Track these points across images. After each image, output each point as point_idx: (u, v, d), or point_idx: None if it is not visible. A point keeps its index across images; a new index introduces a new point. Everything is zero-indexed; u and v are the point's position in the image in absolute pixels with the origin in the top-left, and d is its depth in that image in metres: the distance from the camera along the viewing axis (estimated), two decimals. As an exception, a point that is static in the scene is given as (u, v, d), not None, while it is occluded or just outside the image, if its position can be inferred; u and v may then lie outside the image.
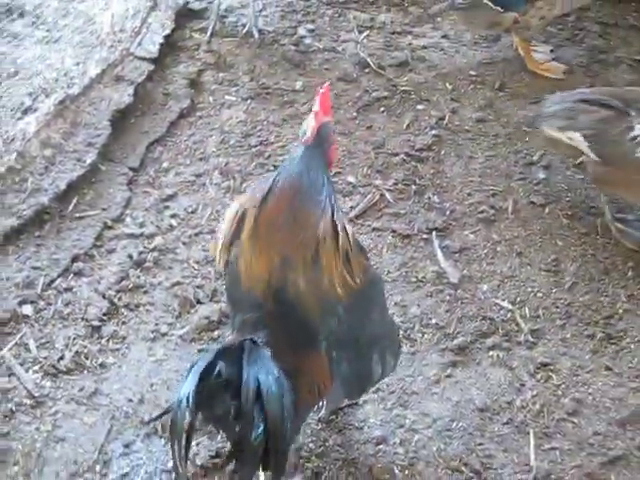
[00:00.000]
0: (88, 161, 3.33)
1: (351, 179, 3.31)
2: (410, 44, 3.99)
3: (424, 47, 3.97)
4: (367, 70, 3.83)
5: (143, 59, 3.76)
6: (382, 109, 3.64)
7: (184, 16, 4.13)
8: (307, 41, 3.99)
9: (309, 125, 2.19)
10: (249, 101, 3.69)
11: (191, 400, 1.92)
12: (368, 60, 3.85)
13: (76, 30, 4.03)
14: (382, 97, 3.68)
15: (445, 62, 3.88)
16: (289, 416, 2.01)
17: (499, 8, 3.63)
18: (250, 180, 3.32)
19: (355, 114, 3.61)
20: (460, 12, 3.80)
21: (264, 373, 1.97)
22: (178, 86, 3.73)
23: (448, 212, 3.19)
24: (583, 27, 4.15)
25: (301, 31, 4.05)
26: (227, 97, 3.71)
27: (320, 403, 2.33)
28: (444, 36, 4.04)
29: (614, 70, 3.90)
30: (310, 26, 4.09)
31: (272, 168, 3.36)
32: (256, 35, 4.01)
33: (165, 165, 3.42)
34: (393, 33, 4.07)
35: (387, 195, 3.24)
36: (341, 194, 3.25)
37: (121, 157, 3.43)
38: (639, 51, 3.98)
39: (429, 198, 3.23)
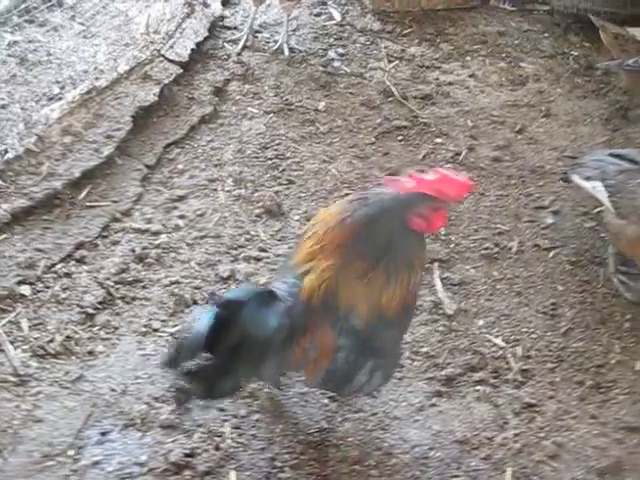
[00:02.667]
0: (105, 153, 3.38)
1: (360, 188, 3.35)
2: (437, 79, 4.03)
3: (450, 83, 4.01)
4: (390, 99, 3.87)
5: (172, 62, 3.83)
6: (400, 138, 3.67)
7: (219, 26, 4.22)
8: (336, 64, 4.05)
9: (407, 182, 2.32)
10: (271, 115, 3.74)
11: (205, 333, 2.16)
12: (393, 89, 3.90)
13: (113, 28, 4.12)
14: (402, 126, 3.72)
15: (469, 100, 3.92)
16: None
17: None
18: (262, 191, 3.35)
19: (373, 139, 3.65)
20: (627, 74, 3.80)
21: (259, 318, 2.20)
22: (203, 92, 3.79)
23: (453, 245, 3.20)
24: (609, 81, 4.19)
25: (331, 54, 4.12)
26: (250, 109, 3.76)
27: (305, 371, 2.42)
28: (471, 75, 4.09)
29: (634, 127, 3.92)
30: (341, 50, 4.16)
31: (285, 182, 3.41)
32: (286, 52, 4.07)
33: (180, 167, 3.46)
34: (422, 66, 4.12)
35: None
36: (349, 215, 3.28)
37: (138, 153, 3.48)
38: (661, 111, 4.02)
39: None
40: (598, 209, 3.11)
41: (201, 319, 2.20)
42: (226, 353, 2.21)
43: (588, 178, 3.14)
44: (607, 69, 3.92)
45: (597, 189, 3.08)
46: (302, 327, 2.30)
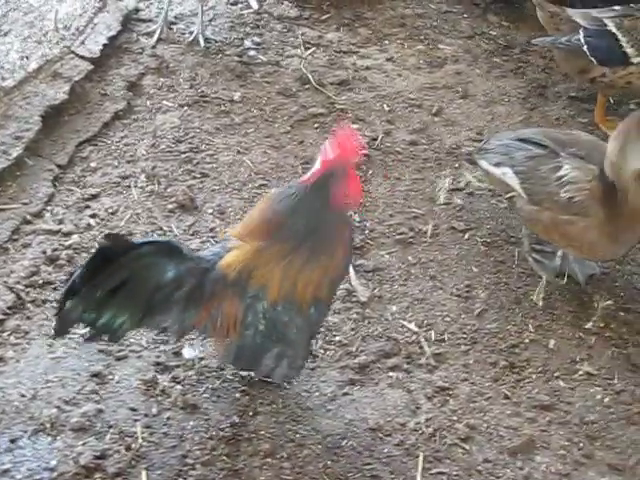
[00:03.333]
0: (14, 154, 3.30)
1: (275, 177, 3.35)
2: (354, 64, 4.01)
3: (367, 68, 4.00)
4: (307, 86, 3.84)
5: (83, 58, 3.76)
6: (316, 125, 3.65)
7: (133, 19, 4.15)
8: (251, 53, 4.01)
9: (313, 168, 2.41)
10: (186, 108, 3.69)
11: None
12: (309, 76, 3.88)
13: (26, 25, 4.03)
14: (318, 114, 3.70)
15: (386, 84, 3.91)
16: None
17: (593, 59, 3.62)
18: (175, 185, 3.31)
19: (289, 128, 3.62)
20: (559, 51, 3.80)
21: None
22: (116, 88, 3.73)
23: (367, 231, 3.19)
24: (527, 60, 4.20)
25: (247, 43, 4.08)
26: (164, 102, 3.71)
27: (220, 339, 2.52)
28: (389, 59, 4.07)
29: (552, 104, 3.94)
30: (257, 39, 4.12)
31: (199, 175, 3.37)
32: (202, 43, 4.02)
33: (93, 165, 3.41)
34: (339, 52, 4.10)
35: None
36: (263, 206, 3.27)
37: (49, 153, 3.41)
38: (578, 88, 4.03)
39: (350, 216, 3.23)
40: (509, 195, 3.11)
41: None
42: (110, 286, 2.32)
43: (498, 164, 3.12)
44: (542, 45, 3.92)
45: (507, 175, 3.07)
46: (210, 291, 2.41)
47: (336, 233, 2.43)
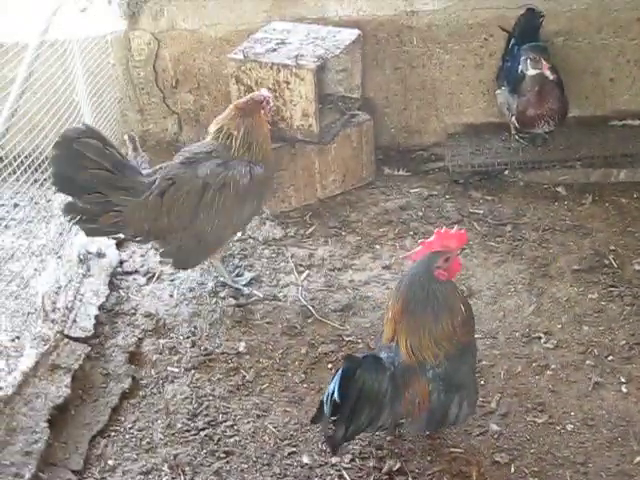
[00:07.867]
0: (27, 475, 3.10)
1: (306, 459, 3.14)
2: (351, 281, 3.90)
3: (366, 283, 3.89)
4: (310, 319, 3.72)
5: (78, 340, 3.61)
6: (330, 366, 3.50)
7: (119, 274, 4.05)
8: (246, 292, 3.89)
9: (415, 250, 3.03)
10: (193, 372, 3.53)
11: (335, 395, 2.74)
12: (310, 307, 3.76)
13: (11, 295, 3.88)
14: (329, 352, 3.55)
15: (389, 298, 3.78)
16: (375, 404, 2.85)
17: None
18: (201, 473, 3.12)
19: (303, 376, 3.46)
20: None
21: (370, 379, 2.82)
22: (117, 363, 3.56)
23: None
24: (521, 236, 4.12)
25: (243, 280, 3.97)
26: (170, 369, 3.56)
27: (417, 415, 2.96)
28: (385, 267, 3.98)
29: (559, 284, 3.83)
30: (251, 274, 3.99)
31: (223, 455, 3.18)
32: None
33: (110, 462, 3.21)
34: (333, 270, 3.99)
35: (346, 476, 3.07)
36: (296, 480, 3.08)
37: (63, 458, 3.21)
38: (579, 258, 3.93)
39: (390, 470, 3.06)
40: None
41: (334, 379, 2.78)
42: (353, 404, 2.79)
43: None
44: None
45: None
46: (404, 383, 2.90)
47: (449, 295, 2.94)
